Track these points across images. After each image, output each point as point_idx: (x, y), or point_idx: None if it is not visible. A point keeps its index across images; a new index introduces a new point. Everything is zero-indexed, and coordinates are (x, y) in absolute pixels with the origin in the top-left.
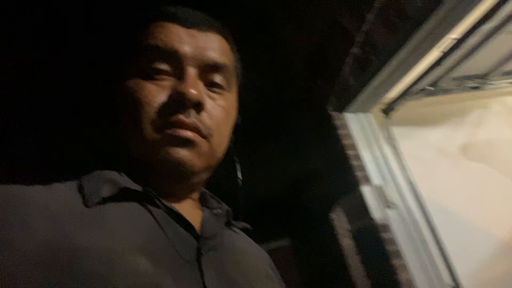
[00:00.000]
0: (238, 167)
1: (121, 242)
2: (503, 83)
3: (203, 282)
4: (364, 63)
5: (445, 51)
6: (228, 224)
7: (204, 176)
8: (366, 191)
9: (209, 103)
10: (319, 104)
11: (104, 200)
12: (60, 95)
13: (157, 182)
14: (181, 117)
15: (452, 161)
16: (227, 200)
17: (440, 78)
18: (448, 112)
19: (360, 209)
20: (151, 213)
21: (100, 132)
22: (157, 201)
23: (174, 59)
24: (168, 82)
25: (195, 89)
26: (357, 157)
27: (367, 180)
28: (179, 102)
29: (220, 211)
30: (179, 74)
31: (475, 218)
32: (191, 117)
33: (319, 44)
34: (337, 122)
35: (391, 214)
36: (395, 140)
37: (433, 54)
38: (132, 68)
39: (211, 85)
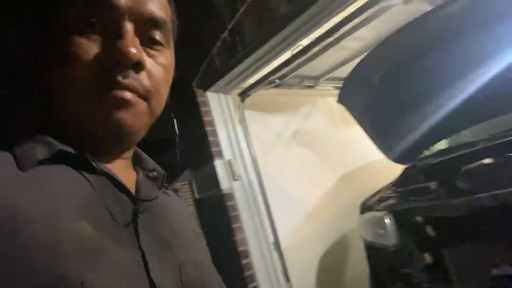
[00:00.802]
0: (175, 123)
1: (62, 208)
2: (329, 86)
3: (139, 243)
4: (232, 50)
5: (295, 53)
6: (161, 187)
7: (141, 136)
8: (218, 164)
9: (148, 62)
10: (186, 80)
11: (39, 163)
12: None
13: (92, 143)
14: (119, 78)
15: (286, 144)
16: (157, 156)
17: (287, 74)
18: (288, 104)
19: (211, 180)
20: (86, 177)
21: (26, 92)
22: (93, 164)
23: (108, 12)
24: (100, 37)
25: (134, 47)
26: (214, 133)
27: (220, 155)
28: (117, 62)
29: (155, 174)
30: (114, 29)
31: (297, 190)
32: (129, 78)
33: (196, 24)
34: (200, 100)
35: (236, 185)
36: (245, 121)
37: (286, 54)
38: (60, 19)
39: (149, 41)
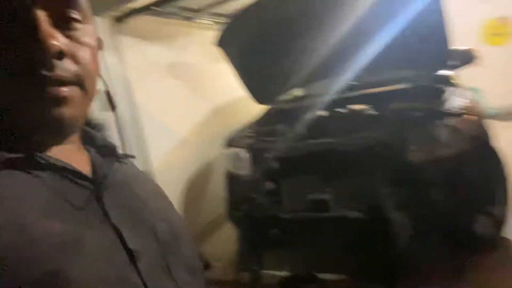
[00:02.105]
0: (111, 97)
1: (26, 213)
2: (209, 20)
3: (110, 221)
4: None
5: None
6: (117, 159)
7: (83, 119)
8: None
9: (70, 46)
10: None
11: None
12: None
13: (37, 138)
14: (45, 72)
15: (162, 74)
16: None
17: (167, 2)
18: (166, 34)
19: None
20: (41, 175)
21: None
22: (43, 161)
23: (16, 2)
24: (11, 30)
25: (52, 37)
26: None
27: None
28: (39, 56)
29: (109, 147)
30: (26, 21)
31: (171, 119)
32: (55, 69)
33: None
34: None
35: (110, 115)
36: (121, 48)
37: None
38: None
39: (66, 23)
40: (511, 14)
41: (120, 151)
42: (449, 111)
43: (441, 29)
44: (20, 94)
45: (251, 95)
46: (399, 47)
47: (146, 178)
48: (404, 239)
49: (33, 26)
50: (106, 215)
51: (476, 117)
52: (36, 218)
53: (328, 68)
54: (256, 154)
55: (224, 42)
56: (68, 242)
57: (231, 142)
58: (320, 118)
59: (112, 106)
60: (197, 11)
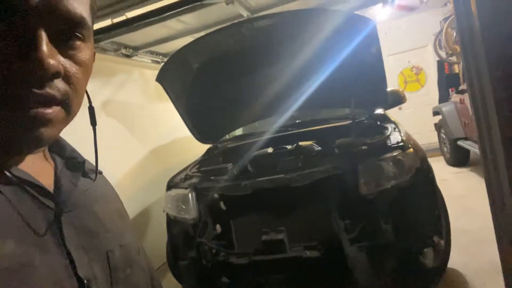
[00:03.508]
0: (93, 112)
1: None
2: (147, 58)
3: (64, 244)
4: None
5: (116, 22)
6: (84, 173)
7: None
8: None
9: (65, 64)
10: None
11: None
12: None
13: (4, 151)
14: (36, 91)
15: (97, 112)
16: None
17: (103, 39)
18: (102, 70)
19: None
20: (1, 190)
21: None
22: (8, 175)
23: (19, 18)
24: (7, 43)
25: (51, 58)
26: None
27: None
28: (33, 74)
29: (77, 160)
30: (26, 38)
31: (105, 162)
32: (46, 87)
33: None
34: None
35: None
36: None
37: (106, 22)
38: None
39: (66, 41)
40: (423, 66)
41: (88, 166)
42: (392, 145)
43: (380, 71)
44: (5, 110)
45: (193, 133)
46: (343, 86)
47: (111, 197)
48: (361, 273)
49: (33, 44)
50: (62, 237)
51: (414, 150)
52: None
53: (271, 106)
54: (202, 195)
55: (165, 78)
56: (18, 265)
57: (174, 184)
58: (267, 155)
59: (93, 121)
60: (136, 48)
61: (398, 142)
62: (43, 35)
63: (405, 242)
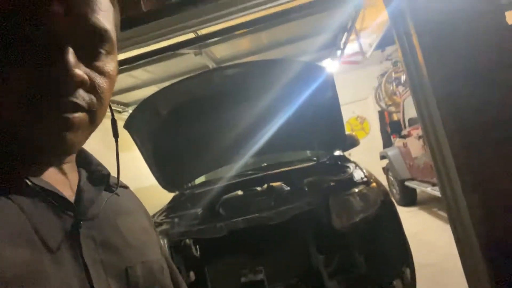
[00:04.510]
0: (116, 124)
1: None
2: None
3: (82, 256)
4: None
5: None
6: (108, 187)
7: (83, 144)
8: None
9: (91, 75)
10: None
11: None
12: None
13: (29, 157)
14: (63, 98)
15: None
16: None
17: None
18: None
19: None
20: (16, 200)
21: None
22: (29, 184)
23: (42, 28)
24: (35, 52)
25: (77, 69)
26: None
27: None
28: (60, 83)
29: (101, 173)
30: (50, 44)
31: None
32: (73, 96)
33: None
34: None
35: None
36: None
37: None
38: None
39: (92, 53)
40: (366, 115)
41: (113, 180)
42: (356, 181)
43: (337, 114)
44: (33, 114)
45: (159, 181)
46: (304, 131)
47: (137, 212)
48: None
49: (61, 57)
50: (80, 249)
51: (377, 185)
52: (5, 245)
53: (236, 151)
54: (175, 241)
55: (133, 125)
56: (31, 273)
57: None
58: (239, 197)
59: (115, 133)
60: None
61: (362, 178)
62: (70, 49)
63: (378, 274)
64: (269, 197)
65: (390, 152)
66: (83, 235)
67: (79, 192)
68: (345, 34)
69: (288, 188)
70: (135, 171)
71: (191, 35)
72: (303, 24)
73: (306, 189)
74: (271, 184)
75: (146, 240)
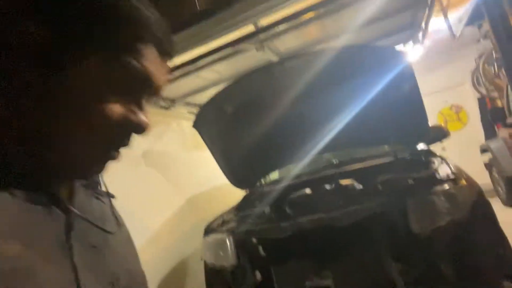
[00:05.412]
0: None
1: None
2: (184, 110)
3: (72, 258)
4: None
5: None
6: (94, 194)
7: None
8: None
9: None
10: None
11: None
12: None
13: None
14: (127, 141)
15: (135, 163)
16: None
17: None
18: None
19: None
20: (15, 193)
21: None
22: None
23: (142, 84)
24: (123, 99)
25: (147, 119)
26: None
27: None
28: (131, 130)
29: (90, 181)
30: (133, 96)
31: (142, 213)
32: (130, 142)
33: None
34: None
35: None
36: None
37: None
38: (97, 61)
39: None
40: (463, 104)
41: (102, 188)
42: (442, 178)
43: (417, 102)
44: (95, 148)
45: (229, 178)
46: (380, 123)
47: (121, 224)
48: None
49: (142, 107)
50: (70, 249)
51: (468, 183)
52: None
53: (306, 147)
54: (241, 240)
55: (201, 124)
56: (20, 268)
57: (211, 229)
58: (306, 195)
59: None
60: (173, 100)
61: (448, 175)
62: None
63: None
64: (338, 197)
65: (493, 144)
66: (73, 236)
67: (72, 192)
68: (426, 11)
69: (361, 186)
70: (205, 171)
71: (251, 28)
72: (375, 4)
73: (380, 188)
74: (342, 182)
75: (130, 251)
